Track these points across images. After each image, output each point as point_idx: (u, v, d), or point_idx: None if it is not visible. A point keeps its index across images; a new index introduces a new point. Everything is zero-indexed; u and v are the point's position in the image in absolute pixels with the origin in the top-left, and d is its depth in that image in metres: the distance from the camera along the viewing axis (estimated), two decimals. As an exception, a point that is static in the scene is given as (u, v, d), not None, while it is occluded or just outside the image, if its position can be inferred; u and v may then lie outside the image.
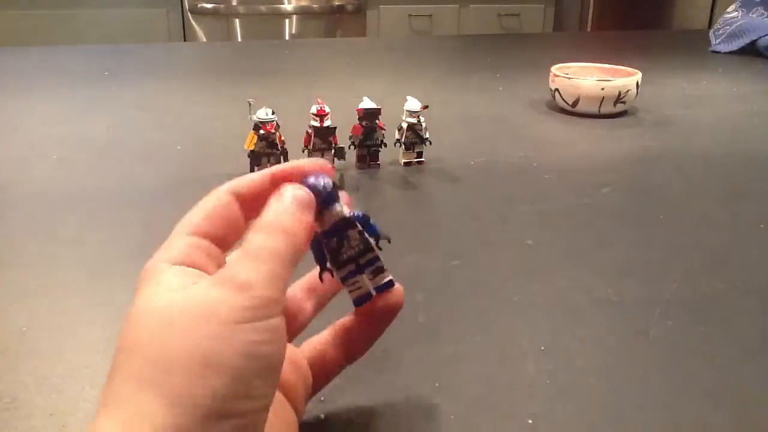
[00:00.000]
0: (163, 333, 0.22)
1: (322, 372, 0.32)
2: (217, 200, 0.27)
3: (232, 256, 0.25)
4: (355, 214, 0.29)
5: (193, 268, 0.25)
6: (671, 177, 0.69)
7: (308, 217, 0.26)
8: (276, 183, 0.27)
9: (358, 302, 0.31)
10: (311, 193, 0.27)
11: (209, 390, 0.21)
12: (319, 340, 0.32)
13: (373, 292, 0.31)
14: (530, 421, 0.34)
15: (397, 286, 0.31)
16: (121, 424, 0.20)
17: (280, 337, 0.24)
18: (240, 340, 0.22)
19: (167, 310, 0.22)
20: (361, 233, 0.29)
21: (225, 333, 0.22)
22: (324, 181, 0.28)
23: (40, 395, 0.35)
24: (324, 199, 0.28)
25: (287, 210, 0.26)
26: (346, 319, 0.32)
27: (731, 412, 0.35)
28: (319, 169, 0.28)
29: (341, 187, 0.29)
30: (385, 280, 0.31)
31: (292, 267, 0.25)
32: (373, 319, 0.31)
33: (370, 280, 0.30)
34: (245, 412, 0.22)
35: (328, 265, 0.29)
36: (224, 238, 0.27)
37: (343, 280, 0.30)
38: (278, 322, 0.23)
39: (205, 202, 0.27)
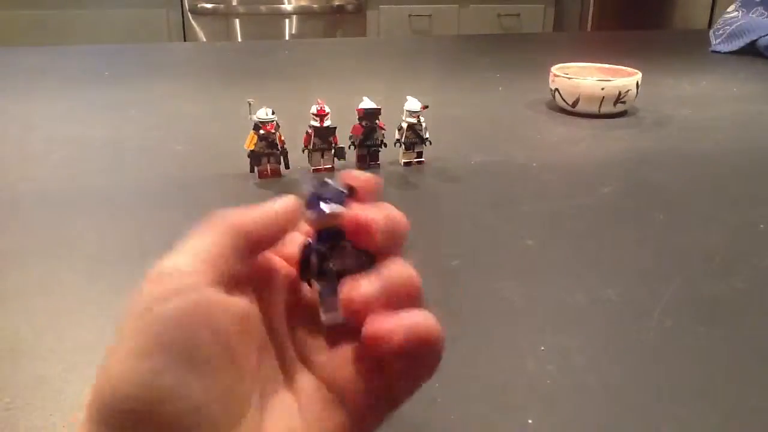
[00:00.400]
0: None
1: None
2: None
3: None
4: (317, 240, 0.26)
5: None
6: (671, 177, 0.69)
7: (277, 207, 0.25)
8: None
9: (332, 326, 0.26)
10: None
11: (96, 395, 0.21)
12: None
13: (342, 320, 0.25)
14: (530, 421, 0.34)
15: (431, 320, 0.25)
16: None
17: (191, 320, 0.21)
18: (132, 338, 0.20)
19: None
20: (359, 252, 0.26)
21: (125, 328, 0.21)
22: (333, 181, 0.26)
23: (40, 395, 0.35)
24: (320, 195, 0.25)
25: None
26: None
27: (731, 411, 0.35)
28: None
29: (351, 195, 0.26)
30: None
31: (223, 236, 0.23)
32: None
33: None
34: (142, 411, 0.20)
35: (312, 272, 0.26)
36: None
37: (321, 294, 0.26)
38: (184, 301, 0.21)
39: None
